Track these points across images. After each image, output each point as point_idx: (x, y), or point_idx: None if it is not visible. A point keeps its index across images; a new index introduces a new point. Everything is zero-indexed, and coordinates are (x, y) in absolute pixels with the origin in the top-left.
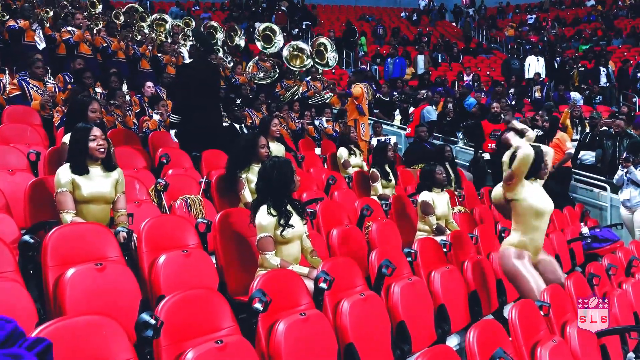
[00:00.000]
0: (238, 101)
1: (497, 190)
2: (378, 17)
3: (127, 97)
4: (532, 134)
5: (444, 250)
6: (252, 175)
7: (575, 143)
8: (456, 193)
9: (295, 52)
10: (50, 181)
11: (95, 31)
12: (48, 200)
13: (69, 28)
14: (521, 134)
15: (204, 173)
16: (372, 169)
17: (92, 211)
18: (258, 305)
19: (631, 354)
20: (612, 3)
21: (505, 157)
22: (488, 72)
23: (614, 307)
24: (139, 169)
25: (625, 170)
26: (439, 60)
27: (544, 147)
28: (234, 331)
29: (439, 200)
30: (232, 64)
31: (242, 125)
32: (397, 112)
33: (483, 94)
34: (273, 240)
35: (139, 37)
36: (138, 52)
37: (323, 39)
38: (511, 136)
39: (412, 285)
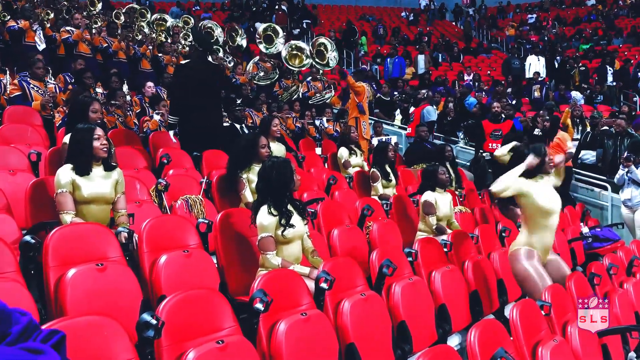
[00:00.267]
0: (238, 101)
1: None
2: (379, 17)
3: (128, 97)
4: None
5: (445, 250)
6: (252, 175)
7: (576, 143)
8: (457, 193)
9: (295, 52)
10: (51, 181)
11: (94, 30)
12: (49, 201)
13: (68, 28)
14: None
15: (204, 173)
16: (372, 169)
17: (92, 212)
18: (259, 305)
19: (632, 354)
20: (612, 2)
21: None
22: (489, 72)
23: (615, 306)
24: (140, 169)
25: (626, 169)
26: (440, 60)
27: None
28: (235, 331)
29: (442, 200)
30: (232, 64)
31: (243, 125)
32: (398, 111)
33: (484, 93)
34: (274, 240)
35: (140, 36)
36: (139, 52)
37: (323, 39)
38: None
39: (413, 285)
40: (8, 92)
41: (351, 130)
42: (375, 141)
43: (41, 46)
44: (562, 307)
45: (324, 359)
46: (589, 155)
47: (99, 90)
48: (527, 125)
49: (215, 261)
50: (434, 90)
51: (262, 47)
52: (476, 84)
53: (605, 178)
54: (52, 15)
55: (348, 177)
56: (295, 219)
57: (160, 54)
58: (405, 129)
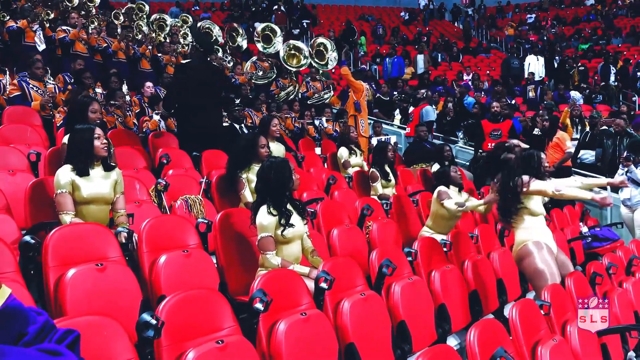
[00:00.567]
0: (237, 101)
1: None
2: (378, 17)
3: (127, 98)
4: None
5: (445, 249)
6: (252, 175)
7: (575, 142)
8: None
9: (292, 52)
10: (50, 182)
11: (94, 30)
12: (48, 201)
13: (64, 27)
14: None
15: (204, 173)
16: (371, 169)
17: (91, 212)
18: (259, 305)
19: (632, 353)
20: (611, 2)
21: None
22: (488, 72)
23: (614, 306)
24: (139, 169)
25: (625, 169)
26: (439, 60)
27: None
28: (235, 331)
29: (456, 199)
30: (231, 64)
31: (242, 125)
32: (397, 111)
33: (483, 93)
34: (274, 240)
35: (139, 36)
36: (138, 52)
37: (323, 39)
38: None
39: (413, 285)
40: (7, 92)
41: (351, 130)
42: (374, 141)
43: (41, 47)
44: (561, 307)
45: (324, 358)
46: (588, 155)
47: (99, 90)
48: (526, 125)
49: (214, 261)
50: (433, 90)
51: (259, 46)
52: (475, 83)
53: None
54: (52, 15)
55: (347, 176)
56: (295, 218)
57: (159, 54)
58: (405, 129)
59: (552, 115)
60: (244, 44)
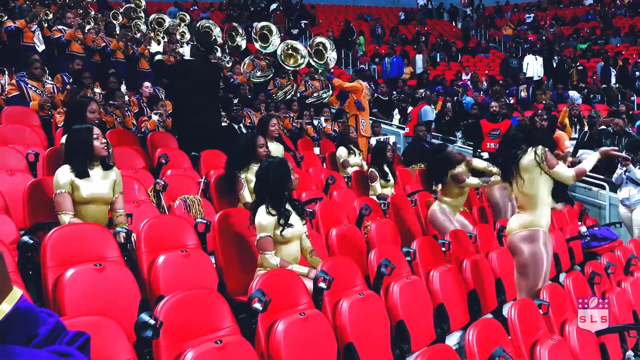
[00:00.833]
0: (235, 101)
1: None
2: (377, 17)
3: (126, 98)
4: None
5: (443, 249)
6: (251, 175)
7: (574, 142)
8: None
9: (290, 52)
10: (49, 182)
11: (92, 30)
12: (47, 201)
13: (60, 27)
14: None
15: (202, 173)
16: (371, 169)
17: (90, 212)
18: (257, 305)
19: (630, 352)
20: (610, 2)
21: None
22: (487, 71)
23: (613, 305)
24: (138, 170)
25: (624, 168)
26: (438, 60)
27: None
28: (234, 331)
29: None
30: (230, 63)
31: (241, 125)
32: (396, 111)
33: (481, 92)
34: (272, 240)
35: (138, 35)
36: (137, 52)
37: (322, 39)
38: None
39: (411, 285)
40: (6, 92)
41: (350, 130)
42: (373, 141)
43: (40, 47)
44: (560, 306)
45: (323, 358)
46: (586, 155)
47: (97, 90)
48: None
49: (213, 261)
50: (431, 89)
51: (257, 45)
52: (475, 83)
53: (603, 177)
54: (50, 15)
55: (346, 176)
56: (294, 218)
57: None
58: (403, 129)
59: (551, 115)
60: (243, 43)
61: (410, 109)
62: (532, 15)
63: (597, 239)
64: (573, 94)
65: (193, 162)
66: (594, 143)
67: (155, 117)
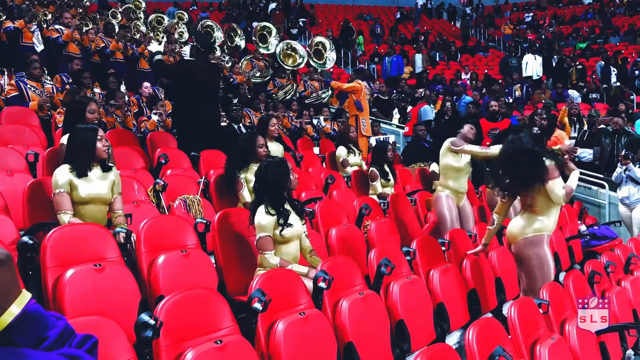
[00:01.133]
0: (235, 101)
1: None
2: (376, 16)
3: (126, 98)
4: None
5: (443, 248)
6: (250, 175)
7: (574, 141)
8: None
9: (289, 52)
10: (48, 182)
11: (86, 30)
12: (47, 201)
13: (57, 27)
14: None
15: (202, 173)
16: (371, 168)
17: (89, 212)
18: (257, 305)
19: (630, 351)
20: (609, 1)
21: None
22: (486, 71)
23: (612, 304)
24: (138, 170)
25: (624, 167)
26: (437, 59)
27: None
28: (234, 331)
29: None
30: (229, 63)
31: (240, 124)
32: (396, 111)
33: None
34: (272, 240)
35: (138, 35)
36: (136, 52)
37: (322, 39)
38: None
39: (411, 284)
40: (5, 92)
41: (350, 129)
42: (373, 141)
43: (39, 47)
44: (560, 306)
45: (323, 358)
46: (586, 154)
47: (97, 90)
48: (524, 124)
49: (213, 261)
50: (431, 89)
51: (262, 50)
52: (474, 82)
53: (602, 176)
54: (49, 15)
55: (346, 176)
56: (294, 218)
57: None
58: (403, 128)
59: (550, 114)
60: (242, 43)
61: (409, 108)
62: (531, 14)
63: (596, 238)
64: (572, 93)
65: (193, 162)
66: (594, 142)
67: (155, 117)
